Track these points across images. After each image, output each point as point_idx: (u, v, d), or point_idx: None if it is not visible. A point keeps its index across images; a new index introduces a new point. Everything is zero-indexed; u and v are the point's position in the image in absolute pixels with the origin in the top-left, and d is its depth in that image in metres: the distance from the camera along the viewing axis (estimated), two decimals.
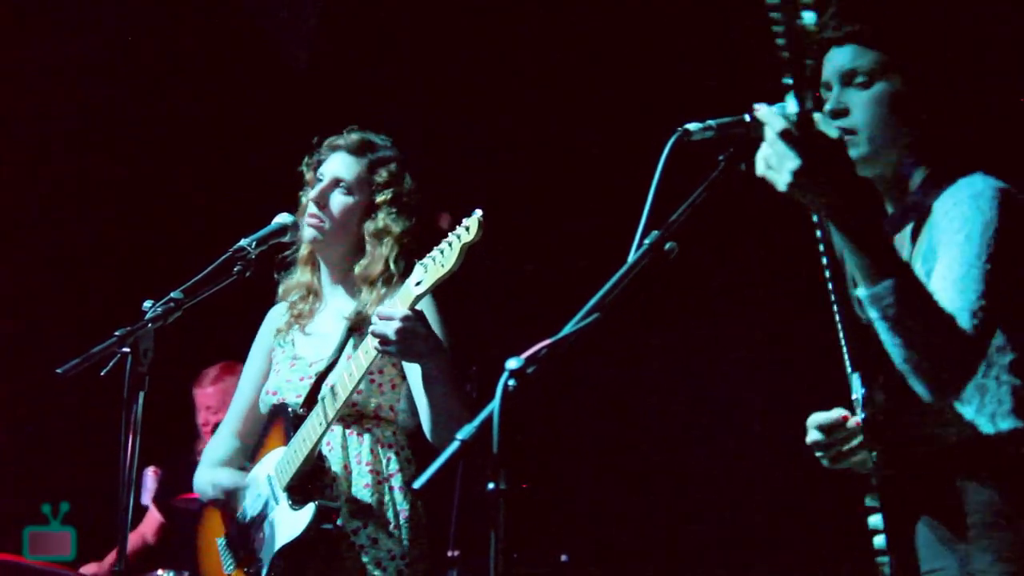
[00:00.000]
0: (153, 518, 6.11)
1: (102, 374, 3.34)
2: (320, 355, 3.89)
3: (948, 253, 2.59)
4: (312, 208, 3.86)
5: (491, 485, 2.14)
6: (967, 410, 2.66)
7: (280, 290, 4.07)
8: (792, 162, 2.35)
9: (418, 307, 3.46)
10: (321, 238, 3.87)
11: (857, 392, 2.61)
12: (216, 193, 6.58)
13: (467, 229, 3.29)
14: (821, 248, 2.57)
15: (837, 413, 2.79)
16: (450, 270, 3.31)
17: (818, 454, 2.83)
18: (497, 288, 5.98)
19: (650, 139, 2.69)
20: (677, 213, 2.55)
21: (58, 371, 3.33)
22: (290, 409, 3.82)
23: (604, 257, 2.64)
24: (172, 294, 3.49)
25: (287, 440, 3.79)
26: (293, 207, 3.97)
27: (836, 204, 2.41)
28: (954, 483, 2.65)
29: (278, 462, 3.81)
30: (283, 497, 3.74)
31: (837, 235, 2.48)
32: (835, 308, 2.61)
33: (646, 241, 2.49)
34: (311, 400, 3.77)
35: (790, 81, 2.33)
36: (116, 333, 3.36)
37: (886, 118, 2.76)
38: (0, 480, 6.40)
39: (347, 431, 3.78)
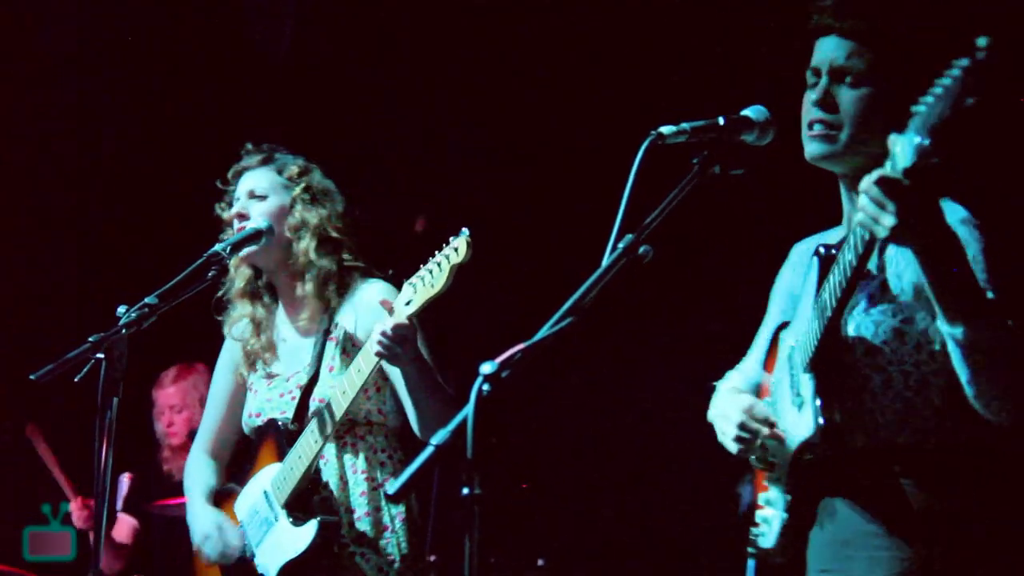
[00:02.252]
0: (125, 523, 6.06)
1: (76, 380, 3.32)
2: (295, 368, 3.91)
3: None
4: (236, 223, 3.90)
5: (466, 490, 2.14)
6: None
7: (225, 330, 4.07)
8: (888, 219, 2.38)
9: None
10: (255, 249, 3.87)
11: (806, 389, 2.69)
12: (191, 198, 6.54)
13: (456, 250, 3.31)
14: (853, 263, 2.61)
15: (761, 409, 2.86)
16: (440, 291, 3.34)
17: (739, 441, 2.91)
18: (472, 291, 5.97)
19: (624, 143, 2.69)
20: (652, 217, 2.55)
21: (32, 377, 3.32)
22: (281, 424, 3.83)
23: (579, 260, 2.64)
24: (146, 299, 3.47)
25: (281, 456, 3.79)
26: None
27: (930, 249, 2.46)
28: (882, 483, 2.70)
29: (274, 478, 3.80)
30: (282, 514, 3.74)
31: (923, 269, 2.51)
32: (827, 318, 2.66)
33: (620, 245, 2.49)
34: (301, 415, 3.79)
35: (917, 136, 2.28)
36: (90, 339, 3.33)
37: (869, 119, 2.78)
38: (0, 480, 6.37)
39: (341, 444, 3.79)
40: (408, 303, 3.41)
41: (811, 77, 2.86)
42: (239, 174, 4.01)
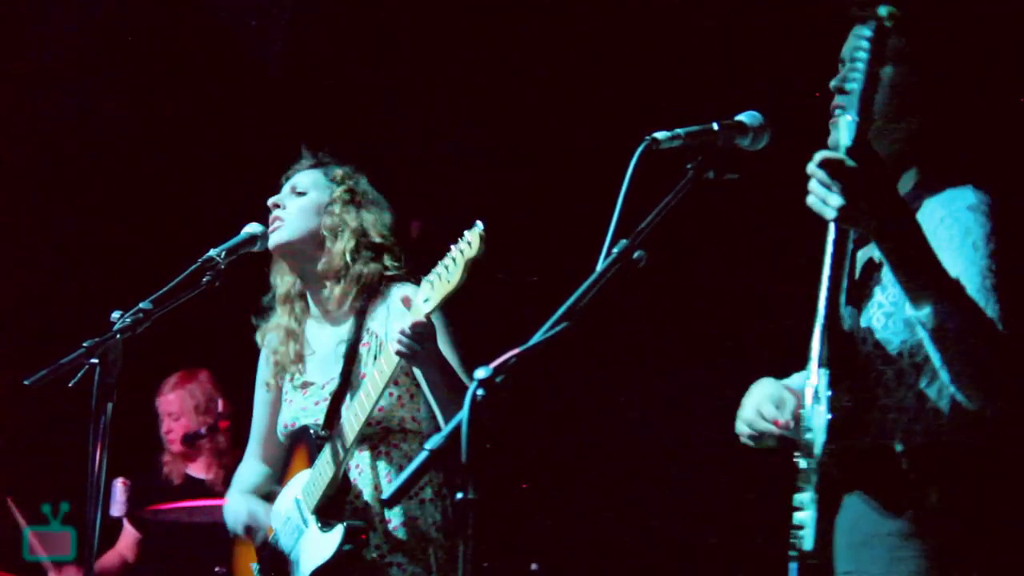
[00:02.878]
0: (129, 534, 6.07)
1: (70, 385, 3.31)
2: (329, 375, 3.89)
3: (957, 261, 2.60)
4: (273, 212, 3.91)
5: (460, 495, 2.14)
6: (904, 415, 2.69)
7: (258, 336, 4.06)
8: (835, 199, 2.38)
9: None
10: (283, 238, 3.87)
11: (823, 386, 2.63)
12: (186, 203, 6.56)
13: (469, 244, 3.31)
14: (830, 252, 2.58)
15: (785, 407, 2.84)
16: (456, 286, 3.33)
17: (747, 436, 2.90)
18: (468, 297, 5.97)
19: (620, 147, 2.69)
20: (646, 222, 2.55)
21: (25, 382, 3.31)
22: (312, 432, 3.82)
23: (574, 265, 2.64)
24: (141, 304, 3.46)
25: (312, 462, 3.78)
26: (262, 217, 3.97)
27: (884, 230, 2.45)
28: (897, 479, 2.67)
29: (305, 485, 3.79)
30: (312, 520, 3.73)
31: (881, 251, 2.50)
32: (822, 310, 2.62)
33: (615, 250, 2.49)
34: (331, 421, 3.77)
35: (853, 115, 2.38)
36: (84, 344, 3.33)
37: (884, 102, 2.73)
38: (0, 480, 6.36)
39: (375, 453, 3.77)
40: (426, 300, 3.41)
41: (840, 68, 2.86)
42: (289, 177, 4.03)
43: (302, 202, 3.92)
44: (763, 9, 5.27)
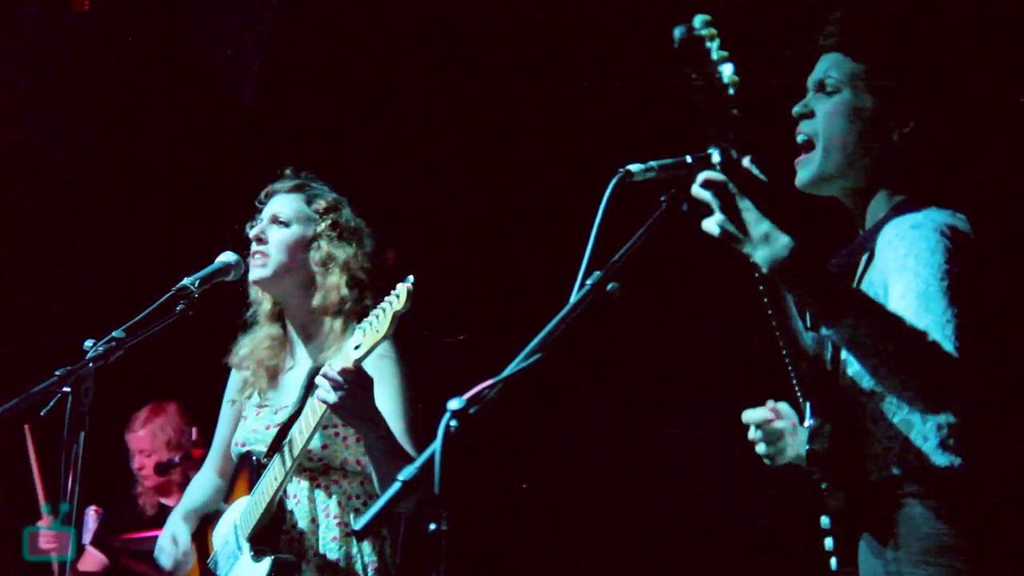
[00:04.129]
0: (91, 559, 6.01)
1: (42, 414, 3.30)
2: (284, 402, 3.86)
3: (901, 277, 2.62)
4: (254, 246, 3.86)
5: (433, 526, 2.13)
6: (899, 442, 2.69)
7: (233, 356, 4.00)
8: (717, 214, 2.41)
9: (379, 358, 3.53)
10: (266, 274, 3.84)
11: (806, 416, 2.67)
12: (159, 231, 6.55)
13: (397, 297, 3.28)
14: (761, 287, 2.61)
15: (764, 411, 2.89)
16: (384, 336, 3.29)
17: (760, 451, 2.93)
18: (442, 325, 5.98)
19: (593, 180, 2.71)
20: (619, 254, 2.56)
21: None
22: (255, 458, 3.80)
23: (548, 297, 2.64)
24: (114, 333, 3.45)
25: (252, 488, 3.76)
26: (236, 245, 3.96)
27: (768, 257, 2.46)
28: (893, 512, 2.68)
29: (243, 511, 3.78)
30: (246, 547, 3.71)
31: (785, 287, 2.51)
32: (781, 341, 2.65)
33: (588, 282, 2.50)
34: (275, 449, 3.73)
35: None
36: (56, 372, 3.32)
37: (845, 130, 2.80)
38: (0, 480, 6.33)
39: (314, 484, 3.74)
40: (357, 347, 3.35)
41: (807, 95, 2.90)
42: (270, 195, 3.97)
43: (284, 236, 3.86)
44: (734, 43, 5.30)
